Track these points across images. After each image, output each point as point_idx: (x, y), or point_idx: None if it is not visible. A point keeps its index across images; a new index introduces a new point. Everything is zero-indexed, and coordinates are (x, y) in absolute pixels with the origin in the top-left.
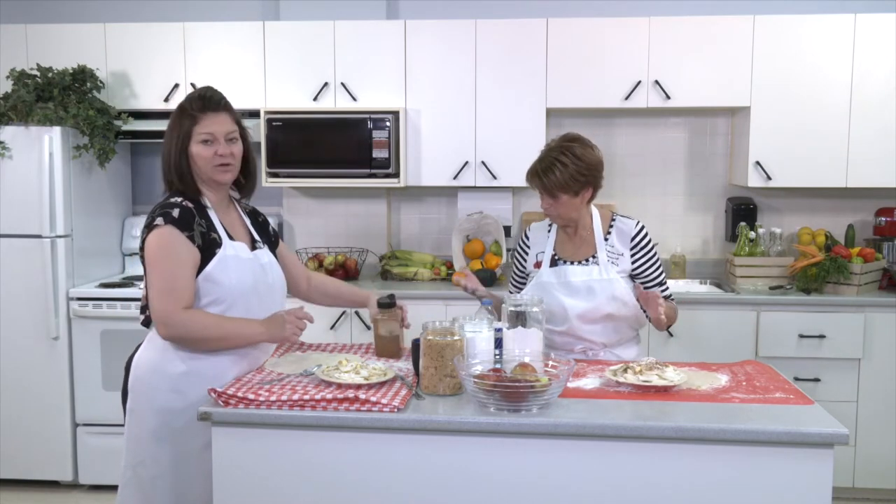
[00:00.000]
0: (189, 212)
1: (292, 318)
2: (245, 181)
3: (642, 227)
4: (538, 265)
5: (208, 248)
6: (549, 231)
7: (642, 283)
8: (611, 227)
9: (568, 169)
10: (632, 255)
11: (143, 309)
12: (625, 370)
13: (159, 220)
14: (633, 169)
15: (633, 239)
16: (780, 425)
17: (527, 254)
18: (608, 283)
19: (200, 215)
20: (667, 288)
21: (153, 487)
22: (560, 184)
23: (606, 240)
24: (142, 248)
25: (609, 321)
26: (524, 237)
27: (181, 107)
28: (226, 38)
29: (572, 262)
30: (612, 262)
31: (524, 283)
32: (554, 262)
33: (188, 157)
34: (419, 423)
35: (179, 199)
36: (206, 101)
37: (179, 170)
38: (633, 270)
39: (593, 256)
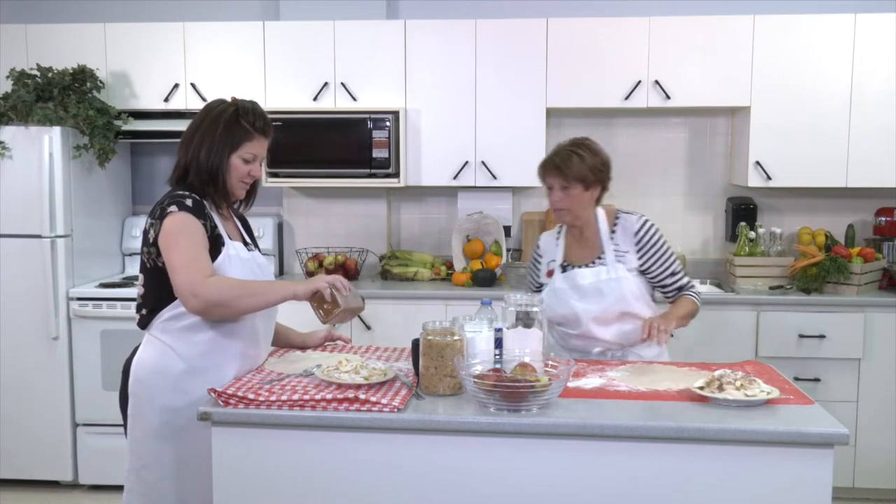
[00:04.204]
0: (201, 204)
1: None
2: (246, 198)
3: (645, 221)
4: (550, 274)
5: (214, 244)
6: (557, 239)
7: (651, 280)
8: (615, 224)
9: (585, 161)
10: (637, 252)
11: (139, 308)
12: (720, 387)
13: (173, 208)
14: (633, 169)
15: (636, 234)
16: (780, 425)
17: (539, 264)
18: (616, 283)
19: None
20: (682, 277)
21: (158, 490)
22: (577, 173)
23: (612, 238)
24: (152, 243)
25: (624, 321)
26: (535, 248)
27: (235, 116)
28: (226, 38)
29: (581, 266)
30: (620, 261)
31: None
32: (564, 268)
33: (228, 165)
34: (419, 423)
35: (188, 193)
36: (268, 124)
37: (215, 173)
38: (640, 266)
39: (600, 257)
